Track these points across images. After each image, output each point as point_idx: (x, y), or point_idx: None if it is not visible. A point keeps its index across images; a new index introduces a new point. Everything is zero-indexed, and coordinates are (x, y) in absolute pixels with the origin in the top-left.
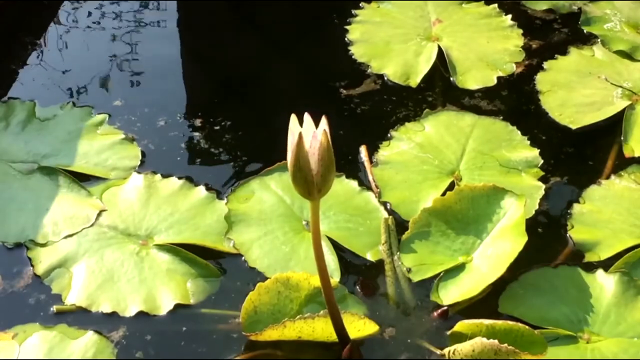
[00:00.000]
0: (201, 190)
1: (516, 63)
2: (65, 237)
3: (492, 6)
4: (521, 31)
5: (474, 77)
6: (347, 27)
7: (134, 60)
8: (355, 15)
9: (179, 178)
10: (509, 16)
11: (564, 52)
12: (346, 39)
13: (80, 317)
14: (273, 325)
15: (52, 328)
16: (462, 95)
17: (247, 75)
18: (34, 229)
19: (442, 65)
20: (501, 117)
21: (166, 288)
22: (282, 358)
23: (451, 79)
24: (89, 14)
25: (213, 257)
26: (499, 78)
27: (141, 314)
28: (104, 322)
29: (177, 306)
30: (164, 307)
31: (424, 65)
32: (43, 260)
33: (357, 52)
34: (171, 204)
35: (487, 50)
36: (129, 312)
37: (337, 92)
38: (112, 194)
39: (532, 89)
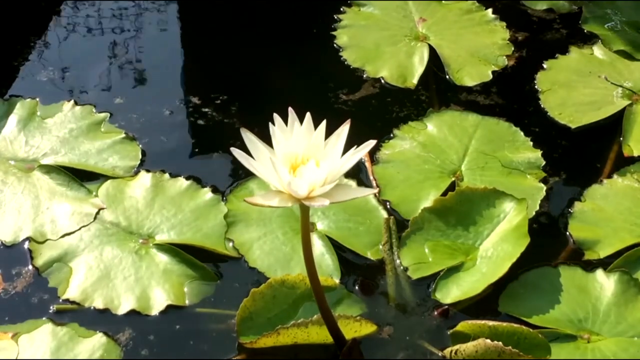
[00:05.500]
0: (207, 192)
1: (507, 56)
2: (63, 235)
3: (471, 1)
4: (505, 24)
5: (469, 73)
6: (333, 32)
7: (135, 58)
8: (339, 20)
9: (187, 178)
10: (490, 10)
11: (564, 52)
12: (335, 44)
13: (80, 315)
14: (267, 333)
15: (59, 324)
16: (460, 93)
17: (247, 77)
18: (32, 227)
19: (434, 64)
20: (504, 118)
21: (161, 288)
22: (281, 358)
23: (447, 77)
24: (90, 12)
25: (213, 259)
26: (493, 72)
27: (133, 313)
28: (104, 321)
29: (175, 307)
30: (156, 307)
31: (418, 65)
32: (43, 253)
33: (350, 57)
34: (176, 204)
35: (477, 45)
36: (122, 309)
37: (337, 99)
38: (118, 190)
39: (532, 88)
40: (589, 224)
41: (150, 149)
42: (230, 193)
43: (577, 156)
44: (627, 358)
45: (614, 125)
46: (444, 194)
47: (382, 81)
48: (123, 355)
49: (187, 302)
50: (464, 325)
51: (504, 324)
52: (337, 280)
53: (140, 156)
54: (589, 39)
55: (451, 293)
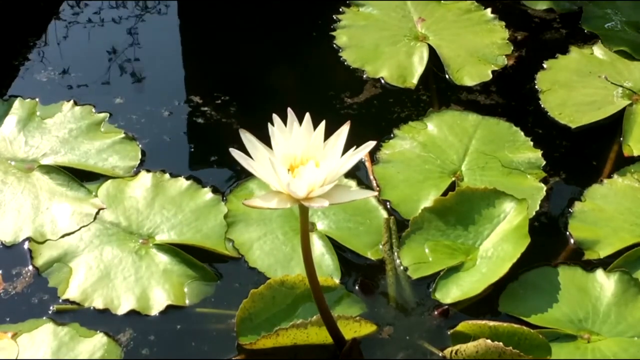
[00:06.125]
0: (207, 193)
1: (507, 56)
2: (63, 235)
3: (470, 1)
4: (504, 23)
5: (469, 73)
6: (333, 32)
7: (135, 58)
8: (339, 21)
9: (187, 178)
10: (489, 9)
11: (564, 51)
12: (334, 44)
13: (81, 315)
14: (266, 334)
15: (60, 324)
16: (460, 93)
17: (246, 77)
18: (32, 227)
19: (434, 64)
20: (504, 118)
21: (161, 288)
22: (281, 358)
23: (447, 77)
24: (90, 12)
25: (213, 260)
26: (493, 72)
27: (133, 313)
28: (104, 321)
29: (175, 307)
30: (156, 307)
31: (418, 65)
32: (43, 253)
33: (349, 58)
34: (176, 204)
35: (476, 45)
36: (122, 310)
37: (338, 99)
38: (118, 190)
39: (532, 88)
40: (589, 224)
41: (150, 149)
42: (230, 193)
43: (577, 156)
44: (627, 358)
45: (614, 125)
46: (444, 194)
47: (382, 81)
48: (124, 355)
49: (187, 302)
50: (464, 326)
51: (505, 324)
52: (337, 280)
53: (140, 156)
54: (589, 39)
55: (451, 293)
